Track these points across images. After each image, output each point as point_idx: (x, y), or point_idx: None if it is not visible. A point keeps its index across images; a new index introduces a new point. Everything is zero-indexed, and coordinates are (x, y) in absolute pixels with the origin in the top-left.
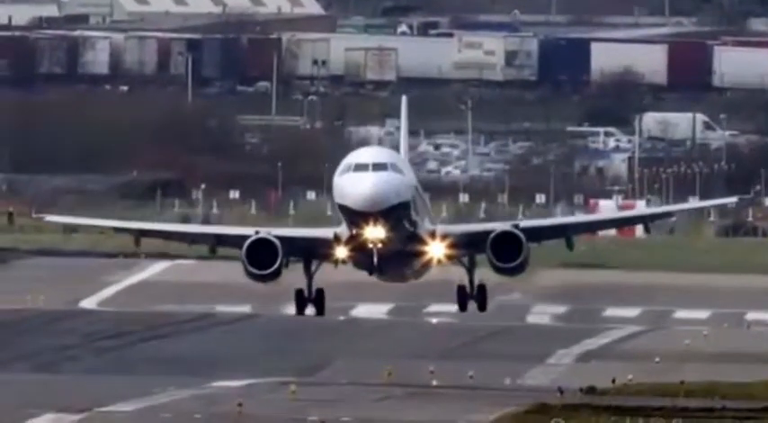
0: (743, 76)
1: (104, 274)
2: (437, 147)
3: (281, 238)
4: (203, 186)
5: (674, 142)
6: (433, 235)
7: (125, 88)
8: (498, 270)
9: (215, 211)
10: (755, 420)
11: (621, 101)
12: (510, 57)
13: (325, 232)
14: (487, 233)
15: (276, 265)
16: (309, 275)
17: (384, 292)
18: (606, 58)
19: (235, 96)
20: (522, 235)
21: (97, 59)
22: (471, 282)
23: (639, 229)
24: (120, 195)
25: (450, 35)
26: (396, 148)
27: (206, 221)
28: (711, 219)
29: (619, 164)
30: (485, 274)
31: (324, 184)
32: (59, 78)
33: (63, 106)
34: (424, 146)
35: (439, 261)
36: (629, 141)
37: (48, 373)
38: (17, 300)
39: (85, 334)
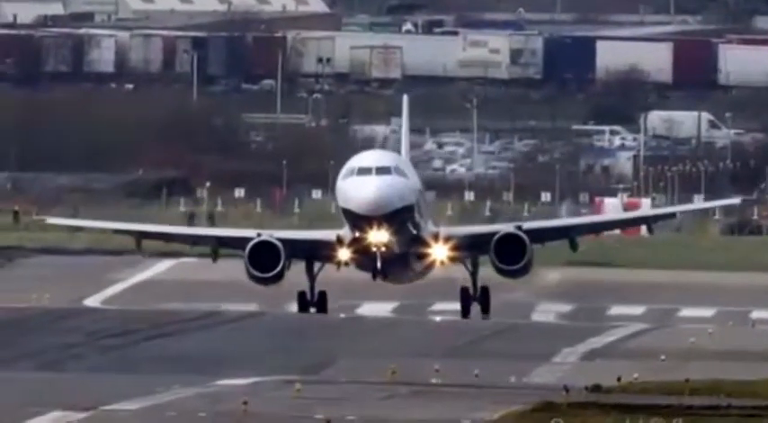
0: (748, 74)
1: (109, 272)
2: (442, 145)
3: (283, 241)
4: (208, 184)
5: (679, 140)
6: (436, 237)
7: (130, 86)
8: (502, 272)
9: (220, 208)
10: (760, 418)
11: (627, 99)
12: (515, 55)
13: (328, 235)
14: (491, 235)
15: (279, 268)
16: (312, 277)
17: (388, 290)
18: (611, 56)
19: (240, 94)
20: (525, 237)
21: (102, 58)
22: (475, 284)
23: (644, 228)
24: (126, 194)
25: (455, 33)
26: (398, 146)
27: (211, 219)
28: (716, 217)
29: (624, 162)
30: (485, 273)
31: (329, 183)
32: (64, 77)
33: (68, 104)
34: (429, 144)
35: (442, 263)
36: (635, 139)
37: (52, 371)
38: (22, 298)
39: (90, 332)
